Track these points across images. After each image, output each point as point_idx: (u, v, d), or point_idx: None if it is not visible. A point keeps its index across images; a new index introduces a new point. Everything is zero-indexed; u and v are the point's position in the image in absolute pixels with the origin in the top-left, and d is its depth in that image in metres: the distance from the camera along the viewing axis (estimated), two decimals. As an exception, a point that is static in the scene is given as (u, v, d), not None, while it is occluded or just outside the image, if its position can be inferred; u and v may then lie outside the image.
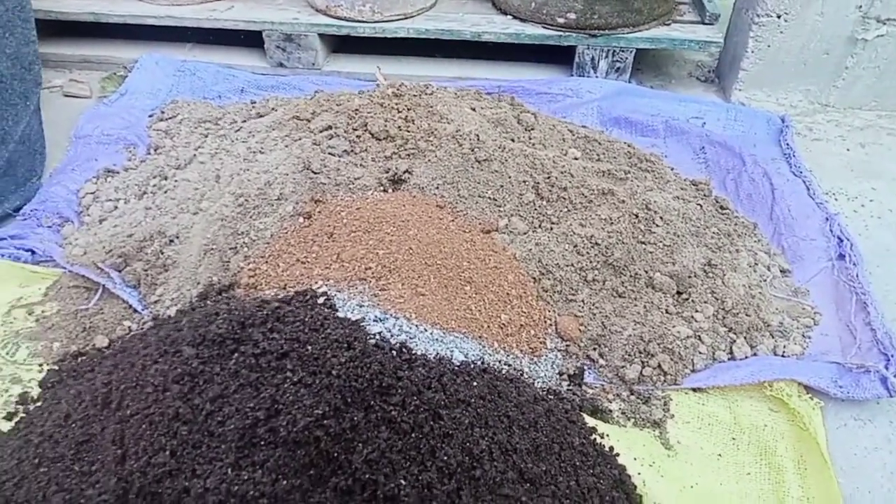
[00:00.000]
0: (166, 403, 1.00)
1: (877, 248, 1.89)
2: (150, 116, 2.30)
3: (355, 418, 1.00)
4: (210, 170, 1.74)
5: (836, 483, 1.33)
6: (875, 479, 1.38)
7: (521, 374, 1.42)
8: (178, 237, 1.63)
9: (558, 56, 2.63)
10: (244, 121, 2.16)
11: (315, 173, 1.62)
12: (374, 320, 1.22)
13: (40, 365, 1.52)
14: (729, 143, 2.19)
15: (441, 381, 1.11)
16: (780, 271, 1.80)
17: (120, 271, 1.65)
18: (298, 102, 1.95)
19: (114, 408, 1.05)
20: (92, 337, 1.56)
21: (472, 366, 1.24)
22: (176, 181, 1.77)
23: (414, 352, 1.16)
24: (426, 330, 1.28)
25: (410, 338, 1.22)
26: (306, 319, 1.08)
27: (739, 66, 2.46)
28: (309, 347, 1.03)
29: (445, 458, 1.03)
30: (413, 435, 1.03)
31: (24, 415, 1.40)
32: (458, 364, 1.21)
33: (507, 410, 1.20)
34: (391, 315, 1.27)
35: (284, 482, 0.96)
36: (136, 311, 1.61)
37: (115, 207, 1.86)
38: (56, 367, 1.50)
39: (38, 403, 1.43)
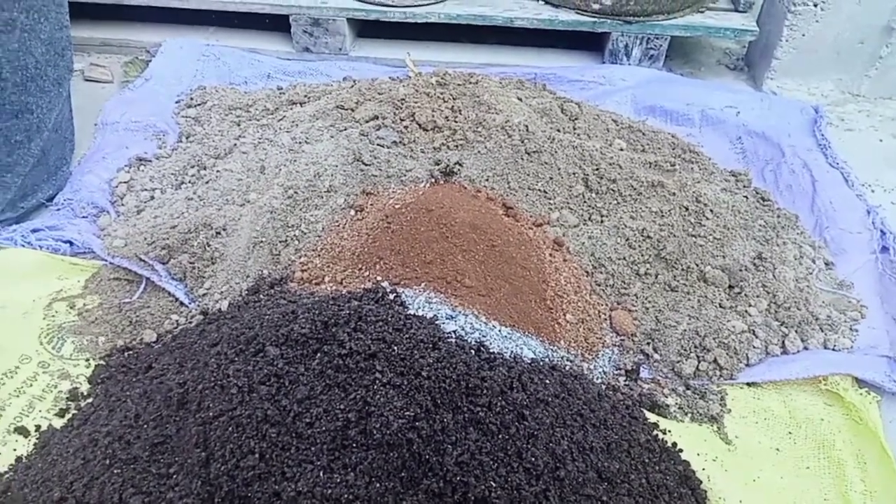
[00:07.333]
0: (253, 405, 0.97)
1: (917, 241, 1.89)
2: (177, 103, 2.25)
3: (445, 420, 0.99)
4: (254, 160, 1.70)
5: (898, 477, 1.33)
6: (931, 474, 1.39)
7: (582, 371, 1.41)
8: (224, 229, 1.59)
9: (588, 42, 2.60)
10: (276, 108, 2.12)
11: (366, 165, 1.59)
12: (446, 318, 1.20)
13: (87, 360, 1.49)
14: (767, 133, 2.18)
15: (521, 381, 1.09)
16: (825, 264, 1.80)
17: (164, 263, 1.62)
18: (340, 91, 1.91)
19: (193, 409, 1.03)
20: (139, 331, 1.53)
21: (542, 364, 1.23)
22: (218, 171, 1.72)
23: (491, 350, 1.14)
24: (495, 327, 1.26)
25: (483, 336, 1.20)
26: (389, 319, 1.06)
27: (772, 54, 2.44)
28: (396, 348, 1.01)
29: (532, 458, 1.02)
30: (500, 436, 1.02)
31: (76, 412, 1.38)
32: (530, 362, 1.19)
33: (580, 409, 1.19)
34: (461, 312, 1.24)
35: (378, 485, 0.94)
36: (182, 304, 1.58)
37: (152, 197, 1.82)
38: (104, 363, 1.47)
39: (90, 400, 1.40)
